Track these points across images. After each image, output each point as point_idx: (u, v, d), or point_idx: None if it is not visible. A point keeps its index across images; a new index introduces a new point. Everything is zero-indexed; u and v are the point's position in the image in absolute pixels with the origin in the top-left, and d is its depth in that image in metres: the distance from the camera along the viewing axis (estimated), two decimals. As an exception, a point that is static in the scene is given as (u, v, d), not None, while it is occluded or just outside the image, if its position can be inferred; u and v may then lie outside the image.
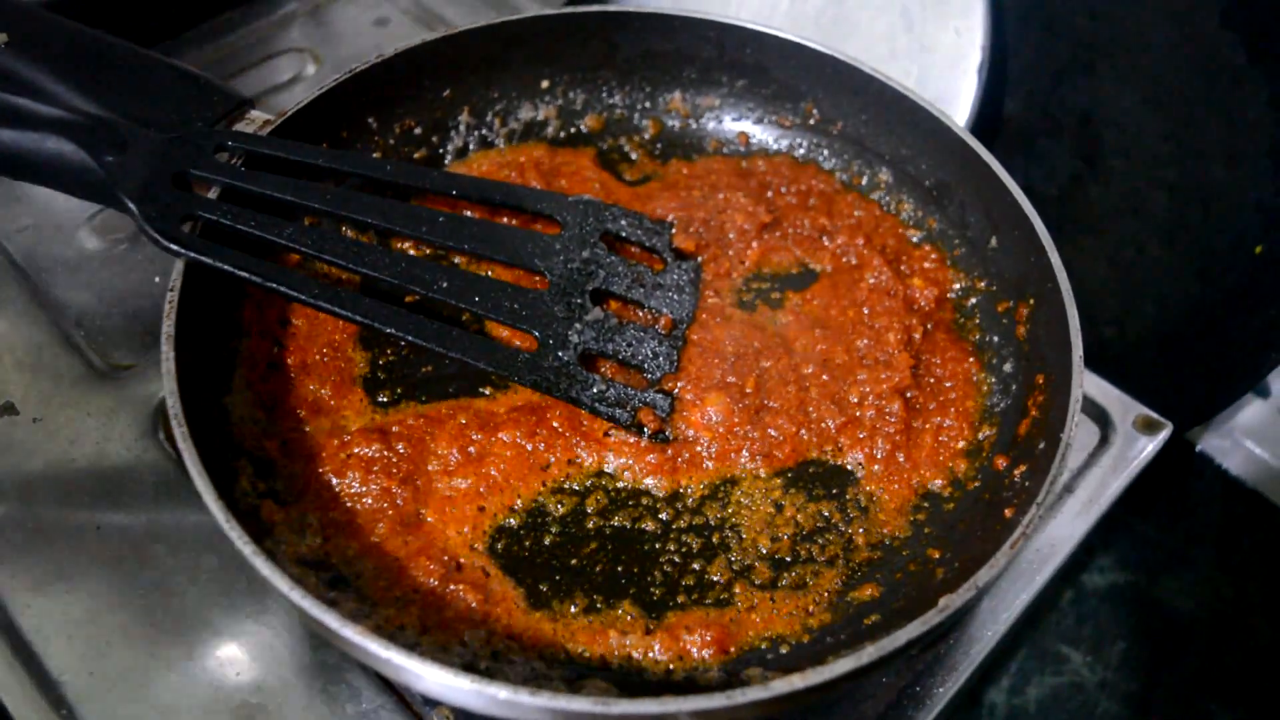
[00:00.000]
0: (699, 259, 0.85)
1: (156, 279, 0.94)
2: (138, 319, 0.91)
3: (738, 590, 0.68)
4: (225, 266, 0.69)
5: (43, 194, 1.00)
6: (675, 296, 0.81)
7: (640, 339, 0.78)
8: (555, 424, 0.74)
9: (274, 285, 0.70)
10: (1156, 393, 0.90)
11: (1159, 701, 0.90)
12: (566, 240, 0.80)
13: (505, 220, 0.85)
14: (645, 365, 0.77)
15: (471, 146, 0.93)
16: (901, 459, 0.74)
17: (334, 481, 0.70)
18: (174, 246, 0.69)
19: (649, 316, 0.80)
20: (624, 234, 0.83)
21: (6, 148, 0.67)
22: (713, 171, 0.92)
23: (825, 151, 0.95)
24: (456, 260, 0.84)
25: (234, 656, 0.71)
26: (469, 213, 0.83)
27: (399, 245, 0.84)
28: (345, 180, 0.83)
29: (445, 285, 0.74)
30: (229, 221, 0.71)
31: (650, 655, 0.64)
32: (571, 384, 0.74)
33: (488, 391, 0.77)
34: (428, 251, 0.84)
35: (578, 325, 0.76)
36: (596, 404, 0.74)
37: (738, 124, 0.97)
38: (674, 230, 0.86)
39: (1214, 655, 0.94)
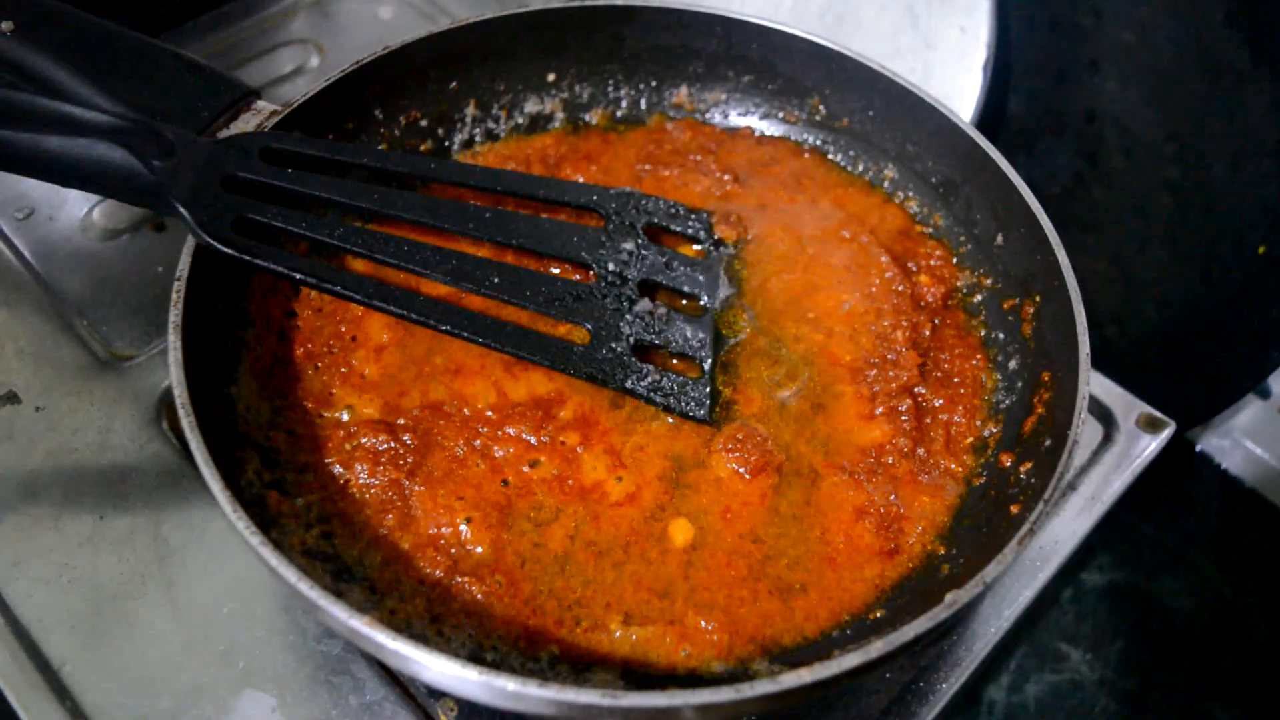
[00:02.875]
0: (731, 246, 0.86)
1: (159, 269, 0.93)
2: (140, 309, 0.91)
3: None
4: (281, 269, 0.69)
5: (44, 185, 1.00)
6: (710, 282, 0.82)
7: (690, 328, 0.78)
8: (563, 417, 0.74)
9: (330, 286, 0.70)
10: (1157, 392, 0.91)
11: (1157, 699, 0.91)
12: (611, 232, 0.81)
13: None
14: (697, 354, 0.77)
15: (478, 139, 0.93)
16: (922, 453, 0.74)
17: (340, 472, 0.70)
18: (228, 250, 0.68)
19: (694, 305, 0.81)
20: (666, 224, 0.84)
21: (55, 155, 0.66)
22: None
23: (831, 147, 0.95)
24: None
25: (237, 644, 0.71)
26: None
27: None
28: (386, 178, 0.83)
29: (497, 281, 0.75)
30: (280, 223, 0.71)
31: (657, 649, 0.64)
32: (627, 375, 0.74)
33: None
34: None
35: (628, 317, 0.77)
36: (653, 394, 0.74)
37: (744, 119, 0.97)
38: (713, 218, 0.86)
39: (1212, 654, 0.94)
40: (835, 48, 0.89)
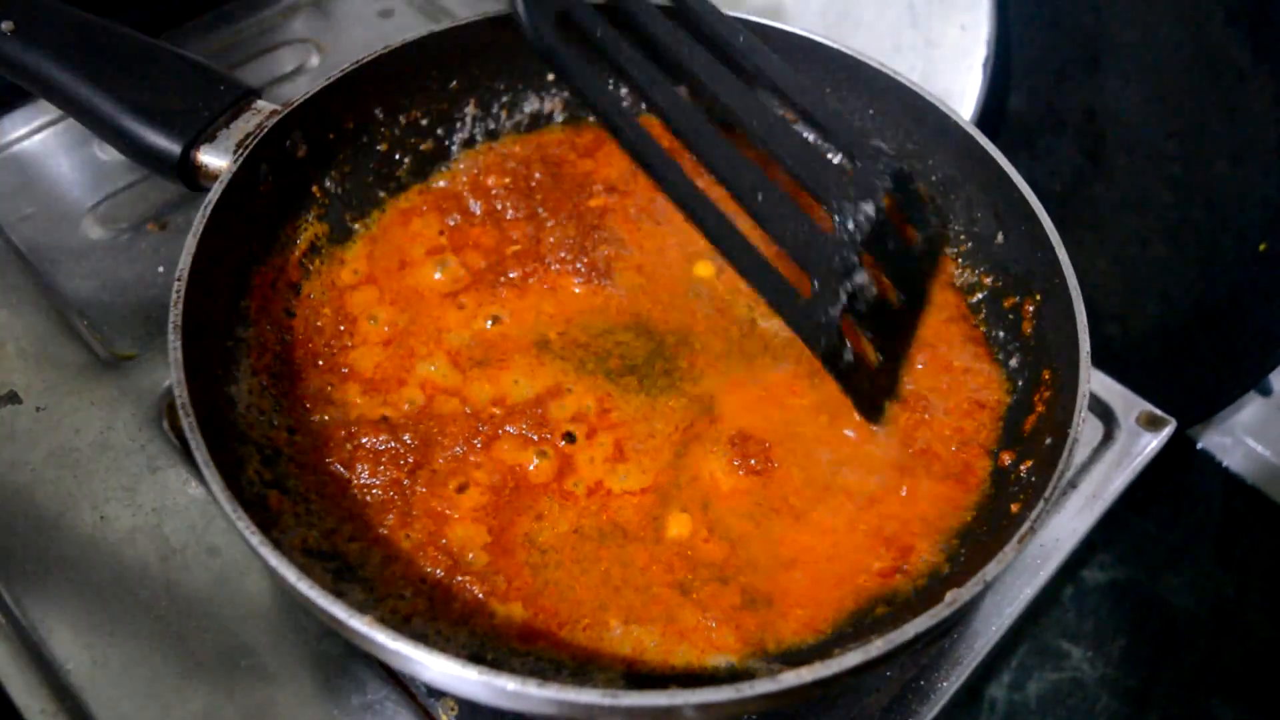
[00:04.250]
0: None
1: (160, 269, 0.94)
2: (141, 308, 0.91)
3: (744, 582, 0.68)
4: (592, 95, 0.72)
5: (47, 182, 1.01)
6: (920, 276, 0.79)
7: (887, 317, 0.74)
8: (563, 415, 0.74)
9: (628, 135, 0.71)
10: (1158, 389, 0.90)
11: (1159, 697, 0.91)
12: (858, 182, 0.74)
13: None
14: (883, 346, 0.74)
15: (478, 138, 0.93)
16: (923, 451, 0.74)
17: (341, 472, 0.70)
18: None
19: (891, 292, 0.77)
20: (906, 198, 0.78)
21: None
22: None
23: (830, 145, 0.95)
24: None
25: (237, 645, 0.71)
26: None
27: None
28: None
29: (761, 200, 0.70)
30: (600, 37, 0.74)
31: (657, 647, 0.64)
32: (832, 346, 0.69)
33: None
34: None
35: (848, 284, 0.70)
36: (848, 378, 0.70)
37: (743, 118, 0.97)
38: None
39: (1214, 651, 0.94)
40: (835, 46, 0.88)
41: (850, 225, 0.72)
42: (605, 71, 0.75)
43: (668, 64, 0.77)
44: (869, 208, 0.73)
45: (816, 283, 0.70)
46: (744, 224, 0.74)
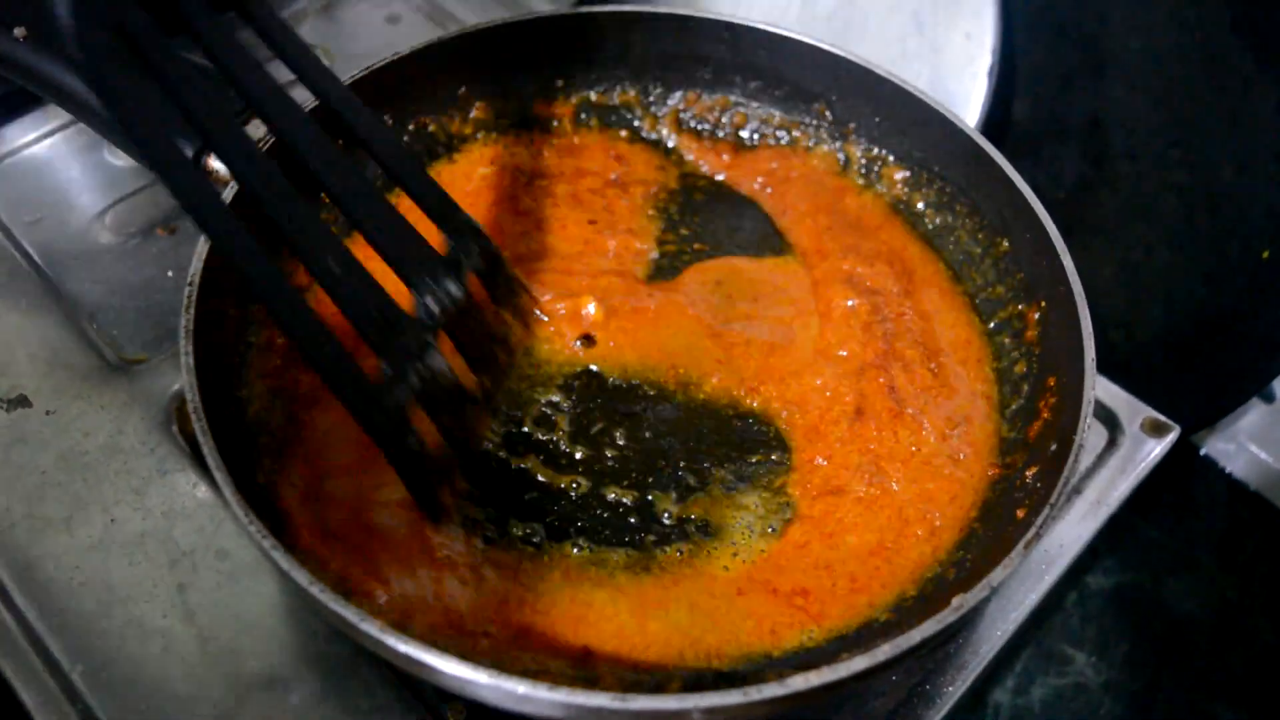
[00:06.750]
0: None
1: (170, 273, 0.94)
2: (150, 313, 0.91)
3: (749, 588, 0.68)
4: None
5: (58, 187, 1.01)
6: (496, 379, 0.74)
7: (466, 411, 0.69)
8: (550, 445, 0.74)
9: (174, 176, 0.58)
10: (1162, 396, 0.91)
11: (1162, 702, 0.91)
12: (449, 262, 0.70)
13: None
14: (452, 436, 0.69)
15: (485, 144, 0.93)
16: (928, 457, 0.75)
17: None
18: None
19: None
20: (500, 278, 0.74)
21: None
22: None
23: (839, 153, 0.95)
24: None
25: (247, 648, 0.72)
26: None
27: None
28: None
29: (336, 272, 0.63)
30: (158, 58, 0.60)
31: (663, 649, 0.65)
32: (399, 436, 0.63)
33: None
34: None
35: (419, 366, 0.65)
36: (410, 470, 0.64)
37: (752, 125, 0.98)
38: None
39: (1217, 656, 0.94)
40: (842, 54, 0.89)
41: (432, 305, 0.68)
42: (162, 104, 0.61)
43: (240, 96, 0.67)
44: (454, 287, 0.69)
45: (386, 365, 0.64)
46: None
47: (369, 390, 0.62)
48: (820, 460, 0.75)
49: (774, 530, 0.72)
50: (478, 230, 0.74)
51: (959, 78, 1.04)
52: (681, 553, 0.70)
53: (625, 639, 0.65)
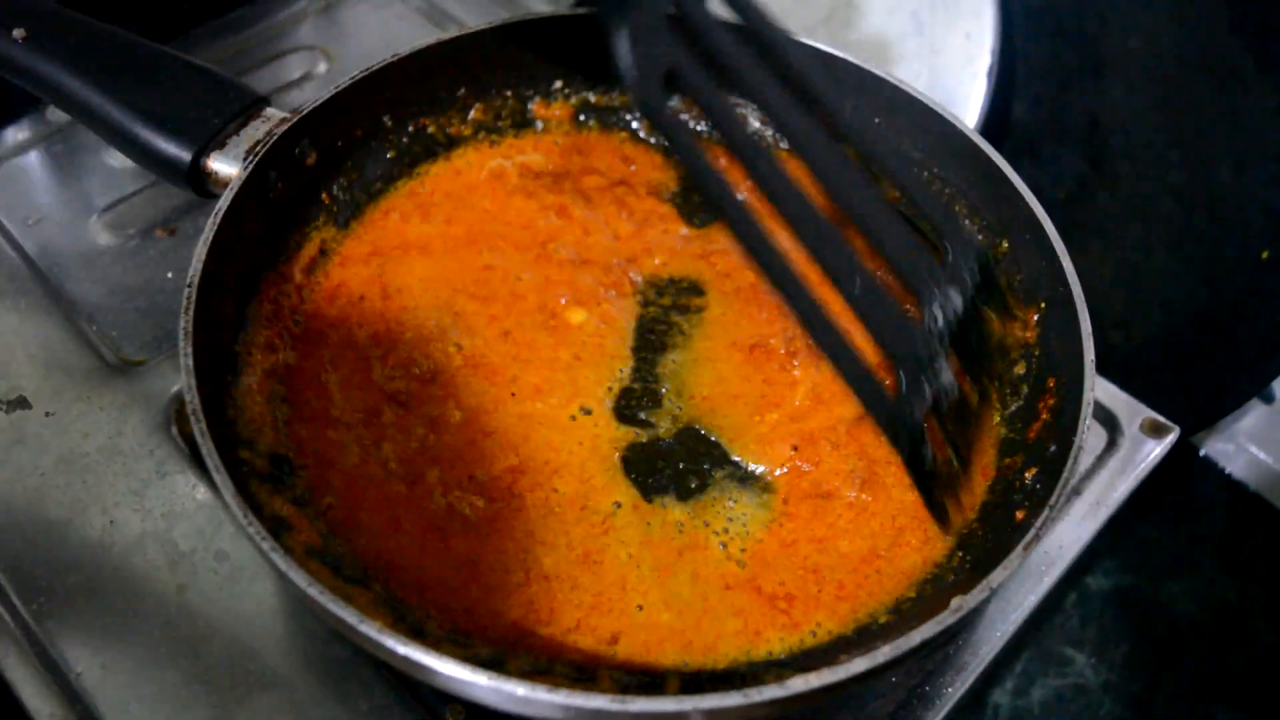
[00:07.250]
0: None
1: (169, 274, 0.94)
2: (150, 314, 0.91)
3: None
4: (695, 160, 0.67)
5: (57, 188, 1.01)
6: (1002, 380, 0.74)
7: (964, 427, 0.69)
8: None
9: (723, 202, 0.65)
10: (1162, 397, 0.91)
11: (1162, 703, 0.91)
12: (949, 270, 0.70)
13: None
14: (960, 459, 0.70)
15: (485, 145, 0.93)
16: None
17: (351, 478, 0.70)
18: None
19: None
20: (988, 286, 0.72)
21: None
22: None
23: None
24: None
25: (246, 650, 0.72)
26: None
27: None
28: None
29: (857, 290, 0.66)
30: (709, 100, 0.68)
31: (665, 651, 0.65)
32: (917, 448, 0.66)
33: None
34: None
35: (934, 381, 0.67)
36: (928, 483, 0.67)
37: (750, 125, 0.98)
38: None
39: (1217, 658, 0.94)
40: (840, 54, 0.89)
41: (940, 317, 0.69)
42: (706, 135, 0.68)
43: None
44: (958, 299, 0.70)
45: (904, 377, 0.66)
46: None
47: (891, 405, 0.66)
48: (806, 467, 0.74)
49: (763, 524, 0.71)
50: (973, 238, 0.76)
51: (958, 78, 1.04)
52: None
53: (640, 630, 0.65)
